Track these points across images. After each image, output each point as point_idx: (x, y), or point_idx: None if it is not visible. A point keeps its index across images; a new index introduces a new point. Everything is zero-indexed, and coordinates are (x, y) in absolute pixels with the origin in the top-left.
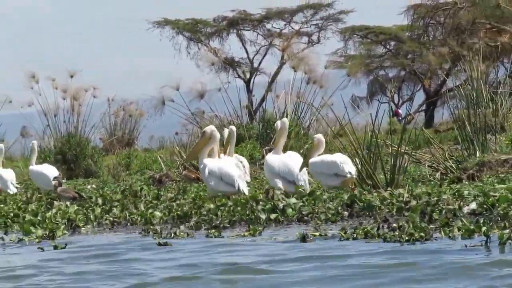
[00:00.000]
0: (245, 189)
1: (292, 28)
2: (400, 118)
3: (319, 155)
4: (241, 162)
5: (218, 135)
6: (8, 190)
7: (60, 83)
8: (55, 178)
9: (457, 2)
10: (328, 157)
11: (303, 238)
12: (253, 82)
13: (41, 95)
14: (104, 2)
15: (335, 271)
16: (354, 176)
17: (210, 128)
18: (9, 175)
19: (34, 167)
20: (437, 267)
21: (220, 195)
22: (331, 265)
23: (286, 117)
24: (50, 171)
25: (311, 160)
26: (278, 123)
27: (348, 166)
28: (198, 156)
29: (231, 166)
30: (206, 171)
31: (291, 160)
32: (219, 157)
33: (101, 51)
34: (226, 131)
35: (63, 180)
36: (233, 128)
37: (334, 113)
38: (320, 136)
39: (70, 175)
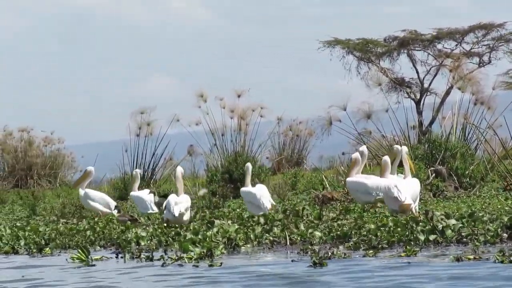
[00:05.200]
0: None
1: (463, 49)
2: None
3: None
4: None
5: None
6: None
7: (227, 102)
8: (116, 206)
9: None
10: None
11: (457, 260)
12: (423, 102)
13: (208, 114)
14: (274, 22)
15: None
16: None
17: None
18: (149, 196)
19: (135, 192)
20: None
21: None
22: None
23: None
24: (149, 196)
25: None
26: (398, 148)
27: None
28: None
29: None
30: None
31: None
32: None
33: (270, 70)
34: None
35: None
36: (404, 148)
37: (498, 135)
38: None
39: (237, 194)
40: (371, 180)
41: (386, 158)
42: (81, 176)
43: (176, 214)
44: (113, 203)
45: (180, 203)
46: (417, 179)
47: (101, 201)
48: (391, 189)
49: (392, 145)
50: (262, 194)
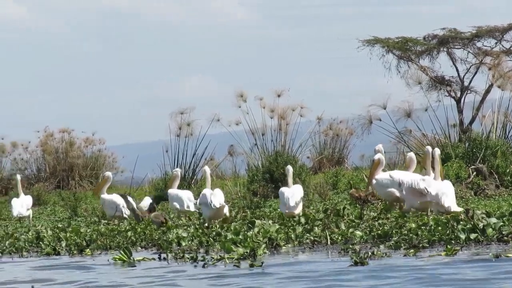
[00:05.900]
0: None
1: (503, 47)
2: None
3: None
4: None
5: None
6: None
7: (267, 102)
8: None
9: None
10: None
11: (497, 257)
12: (463, 101)
13: (248, 114)
14: (313, 21)
15: None
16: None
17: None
18: (186, 194)
19: (172, 190)
20: None
21: None
22: None
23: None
24: (187, 194)
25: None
26: (429, 149)
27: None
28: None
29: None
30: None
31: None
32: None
33: (309, 69)
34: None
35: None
36: (436, 150)
37: None
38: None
39: (278, 194)
40: (397, 173)
41: (412, 155)
42: (100, 182)
43: (217, 205)
44: (122, 204)
45: (216, 195)
46: (449, 182)
47: (112, 204)
48: (418, 182)
49: (433, 143)
50: (292, 192)
